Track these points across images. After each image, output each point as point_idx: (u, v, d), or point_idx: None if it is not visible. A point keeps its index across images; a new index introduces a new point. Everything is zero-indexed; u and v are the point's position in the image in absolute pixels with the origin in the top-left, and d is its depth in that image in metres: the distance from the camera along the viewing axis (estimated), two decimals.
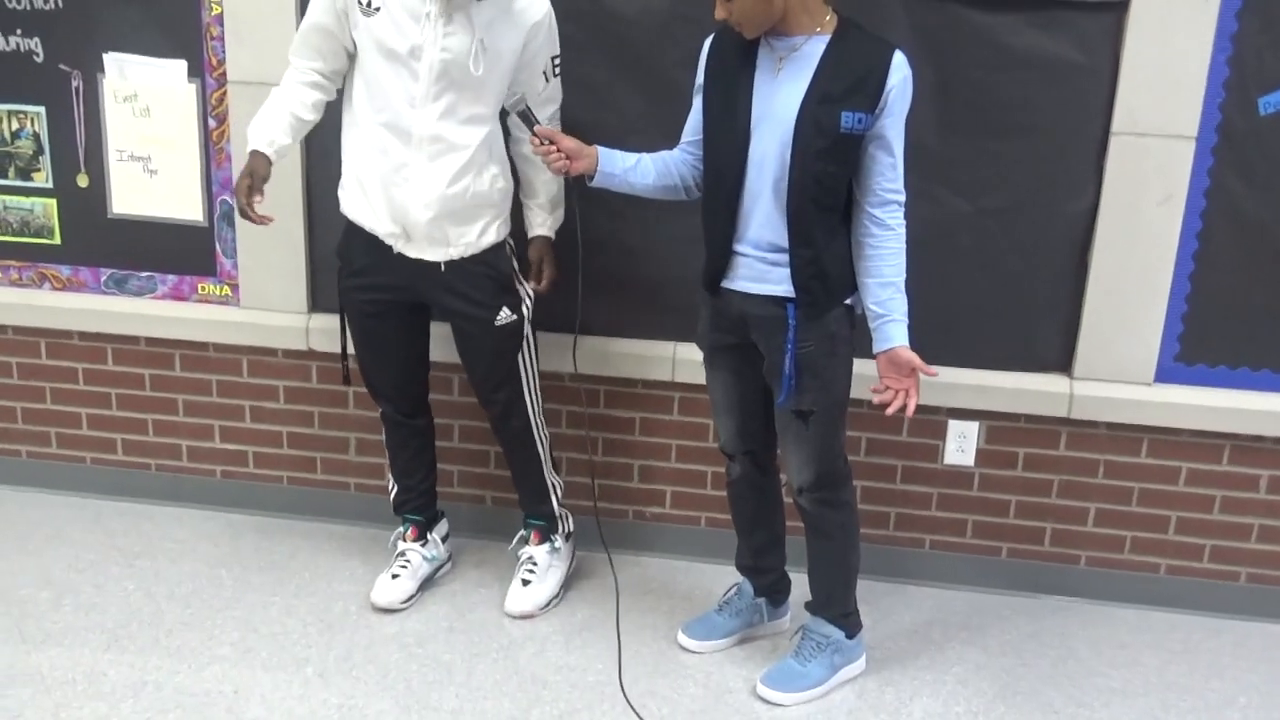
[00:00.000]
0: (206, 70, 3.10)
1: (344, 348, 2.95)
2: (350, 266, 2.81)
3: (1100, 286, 2.95)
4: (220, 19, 3.04)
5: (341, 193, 2.78)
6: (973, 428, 3.10)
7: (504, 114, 2.68)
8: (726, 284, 2.53)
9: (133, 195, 3.23)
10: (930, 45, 2.81)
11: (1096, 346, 2.99)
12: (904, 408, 2.44)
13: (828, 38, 2.36)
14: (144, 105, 3.15)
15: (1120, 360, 2.99)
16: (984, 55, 2.83)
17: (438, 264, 2.72)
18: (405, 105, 2.60)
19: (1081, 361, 3.01)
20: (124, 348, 3.35)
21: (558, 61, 2.73)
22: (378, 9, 2.55)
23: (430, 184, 2.63)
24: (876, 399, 2.48)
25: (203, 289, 3.28)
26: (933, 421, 3.10)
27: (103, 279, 3.31)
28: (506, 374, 2.88)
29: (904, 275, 2.45)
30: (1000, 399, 3.04)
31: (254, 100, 3.04)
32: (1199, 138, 2.83)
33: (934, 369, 2.43)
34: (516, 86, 2.65)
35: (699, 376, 2.97)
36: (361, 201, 2.72)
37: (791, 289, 2.45)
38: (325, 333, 3.20)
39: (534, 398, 2.94)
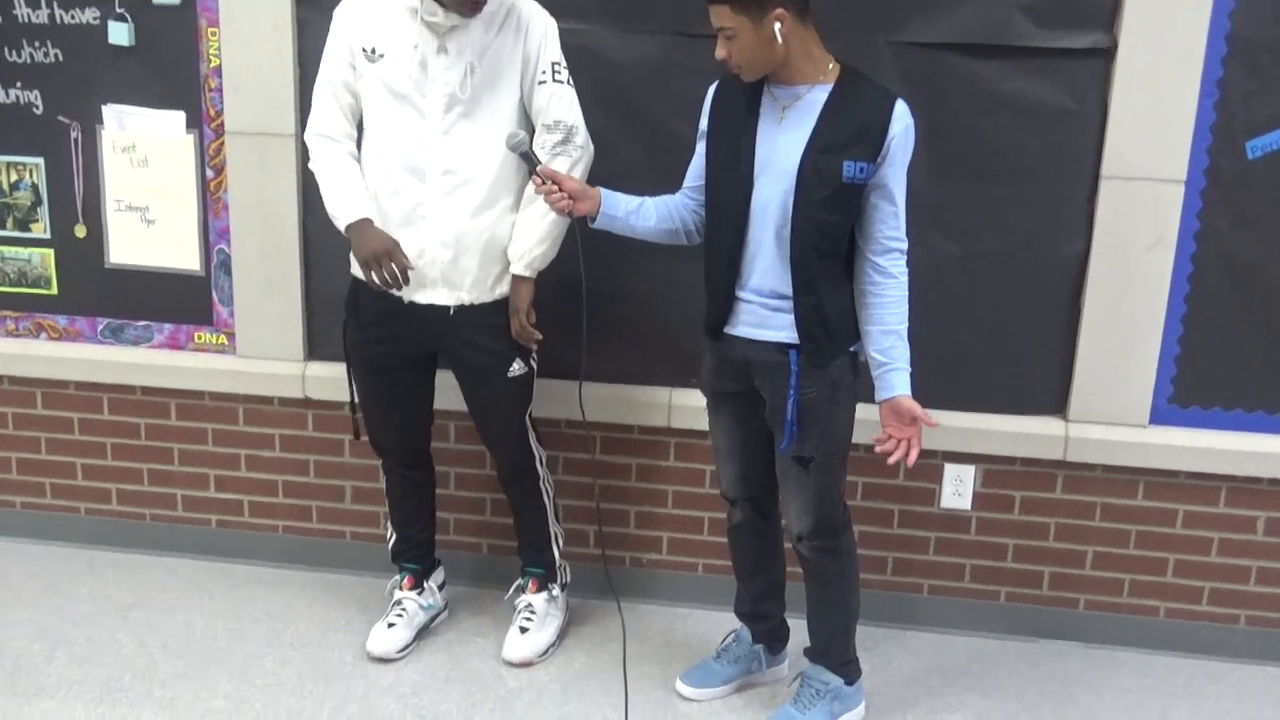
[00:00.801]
0: (204, 121, 3.13)
1: (353, 401, 2.92)
2: (359, 320, 2.79)
3: (1093, 329, 2.96)
4: (218, 71, 3.07)
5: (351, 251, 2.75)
6: (969, 471, 3.10)
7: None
8: (729, 330, 2.53)
9: (130, 245, 3.24)
10: (921, 92, 2.84)
11: (1091, 389, 3.00)
12: (906, 456, 2.43)
13: (830, 87, 2.38)
14: (142, 156, 3.18)
15: (1115, 403, 3.00)
16: (974, 101, 2.87)
17: (447, 309, 2.70)
18: (417, 144, 2.60)
19: (1076, 404, 3.01)
20: (120, 397, 3.35)
21: (559, 67, 2.66)
22: (381, 55, 2.58)
23: (448, 220, 2.63)
24: (878, 448, 2.47)
25: (199, 338, 3.29)
26: (929, 465, 3.10)
27: (99, 329, 3.32)
28: (519, 427, 2.88)
29: (906, 323, 2.45)
30: (996, 442, 3.04)
31: (251, 150, 3.09)
32: (1188, 181, 2.86)
33: (935, 419, 2.43)
34: (526, 104, 2.65)
35: (695, 422, 2.98)
36: None
37: (794, 335, 2.45)
38: (322, 380, 3.21)
39: (540, 448, 2.95)
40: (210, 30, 3.05)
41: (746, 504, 2.74)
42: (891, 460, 2.45)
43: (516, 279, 2.72)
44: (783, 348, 2.46)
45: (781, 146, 2.39)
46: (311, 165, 2.72)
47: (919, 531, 3.18)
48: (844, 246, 2.44)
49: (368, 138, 2.68)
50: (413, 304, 2.70)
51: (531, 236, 2.69)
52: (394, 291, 2.63)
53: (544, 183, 2.46)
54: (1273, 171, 2.83)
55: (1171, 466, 3.01)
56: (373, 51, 2.59)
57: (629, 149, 2.96)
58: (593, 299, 2.83)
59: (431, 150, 2.60)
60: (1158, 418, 3.01)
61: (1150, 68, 2.79)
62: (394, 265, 2.55)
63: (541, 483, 2.97)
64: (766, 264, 2.44)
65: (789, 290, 2.43)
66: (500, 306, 2.74)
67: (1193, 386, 2.99)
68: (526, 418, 2.89)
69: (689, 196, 2.61)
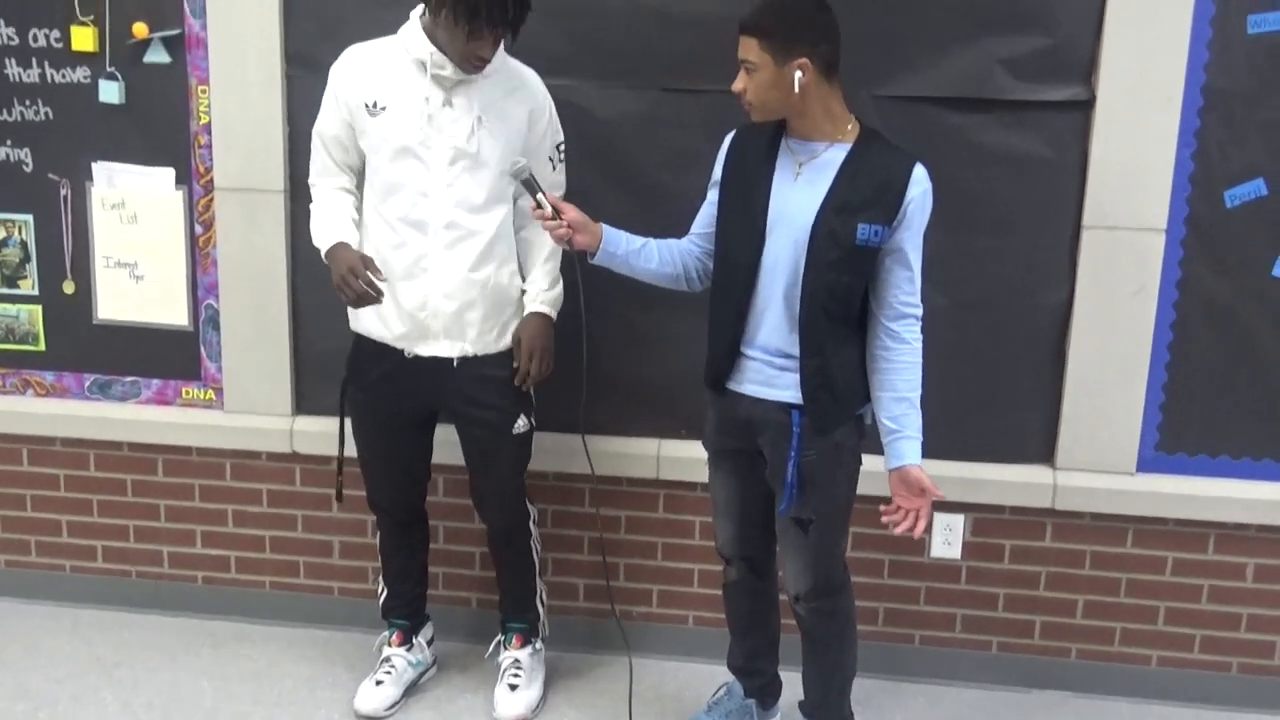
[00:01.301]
0: (194, 177, 3.15)
1: (340, 460, 2.90)
2: (361, 379, 2.78)
3: (1079, 377, 2.98)
4: (208, 128, 3.10)
5: (349, 308, 2.74)
6: (959, 520, 3.10)
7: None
8: (733, 386, 2.50)
9: (118, 301, 3.25)
10: (905, 144, 2.86)
11: (1078, 437, 3.01)
12: (913, 528, 2.40)
13: (849, 146, 2.35)
14: (131, 212, 3.19)
15: (1102, 450, 3.01)
16: (957, 153, 2.90)
17: (451, 361, 2.68)
18: (419, 196, 2.61)
19: (1064, 452, 3.02)
20: (106, 453, 3.33)
21: (563, 149, 2.75)
22: (383, 108, 2.59)
23: (450, 272, 2.63)
24: (885, 518, 2.43)
25: (186, 393, 3.28)
26: None
27: (86, 385, 3.31)
28: (517, 485, 2.88)
29: (919, 390, 2.41)
30: (985, 491, 3.05)
31: (241, 205, 3.10)
32: (1168, 230, 2.89)
33: (943, 492, 2.41)
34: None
35: (684, 474, 2.98)
36: (368, 311, 2.68)
37: (799, 396, 2.41)
38: (309, 435, 3.20)
39: (532, 506, 2.96)
40: (200, 88, 3.08)
41: (742, 563, 2.71)
42: (898, 531, 2.41)
43: (537, 316, 2.72)
44: (786, 408, 2.43)
45: (796, 203, 2.36)
46: (313, 212, 2.75)
47: (910, 581, 3.17)
48: (855, 309, 2.40)
49: (369, 191, 2.69)
50: (416, 357, 2.69)
51: (544, 280, 2.73)
52: (373, 310, 2.63)
53: (547, 212, 2.42)
54: (1251, 220, 2.87)
55: (1159, 514, 3.02)
56: (374, 105, 2.60)
57: (617, 204, 2.98)
58: (579, 351, 2.85)
59: (435, 203, 2.61)
60: (1145, 465, 3.02)
61: (1129, 119, 2.83)
62: (361, 280, 2.51)
63: (532, 540, 2.96)
64: (774, 322, 2.41)
65: (795, 350, 2.40)
66: (504, 359, 2.73)
67: (1178, 434, 3.00)
68: (523, 476, 2.89)
69: (695, 243, 2.58)
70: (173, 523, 3.36)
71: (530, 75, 2.70)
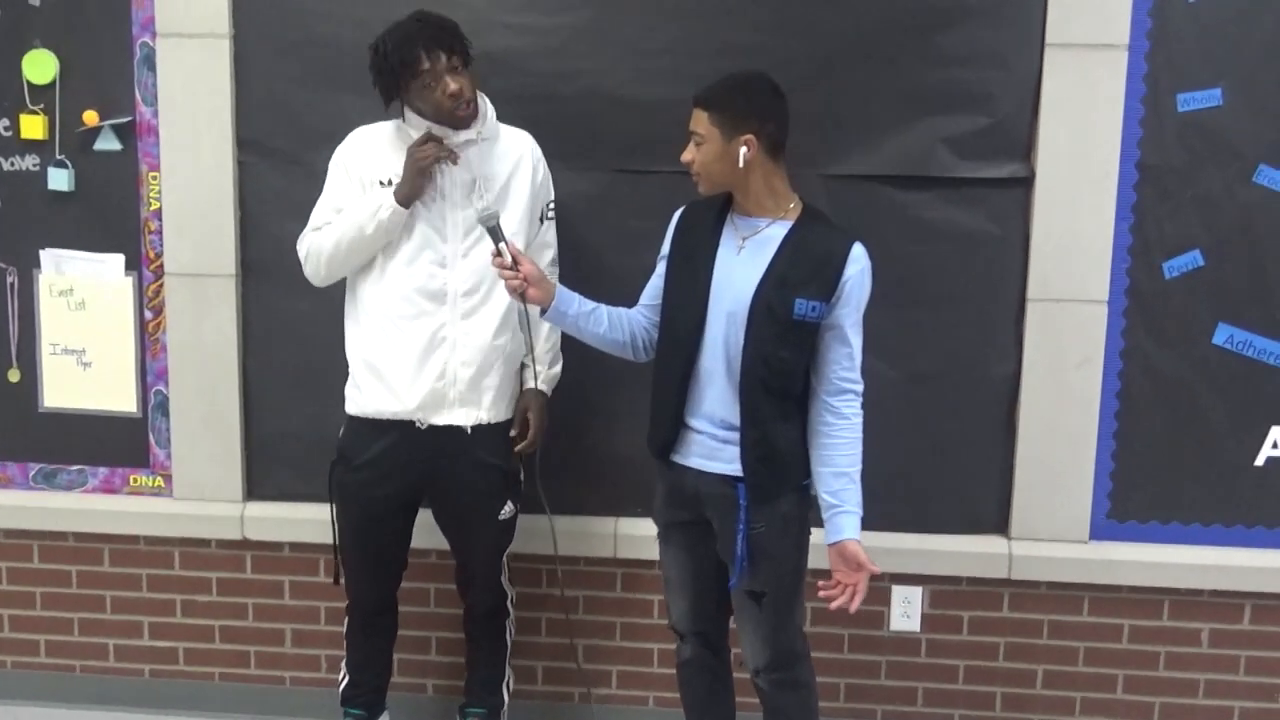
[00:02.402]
0: (144, 263, 3.13)
1: (335, 545, 2.82)
2: (351, 461, 2.72)
3: (1029, 447, 3.02)
4: (158, 213, 3.09)
5: (350, 389, 2.72)
6: (916, 592, 3.11)
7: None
8: (679, 458, 2.51)
9: (65, 388, 3.20)
10: (851, 221, 2.90)
11: (1031, 506, 3.04)
12: (850, 602, 2.41)
13: (790, 224, 2.42)
14: (80, 299, 3.16)
15: (1055, 519, 3.04)
16: (903, 229, 2.96)
17: (465, 429, 2.66)
18: (436, 267, 2.61)
19: (1017, 522, 3.05)
20: (51, 544, 3.25)
21: (552, 206, 2.79)
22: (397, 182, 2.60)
23: (470, 340, 2.63)
24: (822, 593, 2.44)
25: (134, 481, 3.23)
26: (877, 588, 3.09)
27: (31, 474, 3.25)
28: (498, 566, 2.86)
29: (859, 466, 2.43)
30: (941, 562, 3.06)
31: (191, 290, 3.09)
32: (1110, 301, 2.96)
33: (878, 567, 2.43)
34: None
35: (642, 552, 2.96)
36: (378, 389, 2.66)
37: (740, 469, 2.43)
38: (260, 521, 3.15)
39: (511, 588, 2.94)
40: (151, 174, 3.08)
41: (696, 639, 2.68)
42: (833, 606, 2.42)
43: (535, 394, 2.75)
44: (730, 481, 2.44)
45: (738, 277, 2.40)
46: (318, 247, 2.67)
47: (870, 656, 3.16)
48: (796, 384, 2.43)
49: (384, 268, 2.64)
50: (431, 427, 2.66)
51: (548, 356, 2.78)
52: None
53: (505, 261, 2.43)
54: (1189, 290, 2.95)
55: (1114, 581, 3.04)
56: (388, 181, 2.59)
57: (569, 282, 2.99)
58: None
59: (452, 273, 2.62)
60: (1097, 533, 3.05)
61: (1067, 194, 2.91)
62: (430, 146, 2.53)
63: (509, 622, 2.93)
64: (717, 393, 2.44)
65: (738, 422, 2.42)
66: (501, 448, 2.74)
67: (1129, 501, 3.04)
68: (503, 558, 2.89)
69: (642, 314, 2.61)
70: (119, 614, 3.28)
71: (525, 136, 2.75)
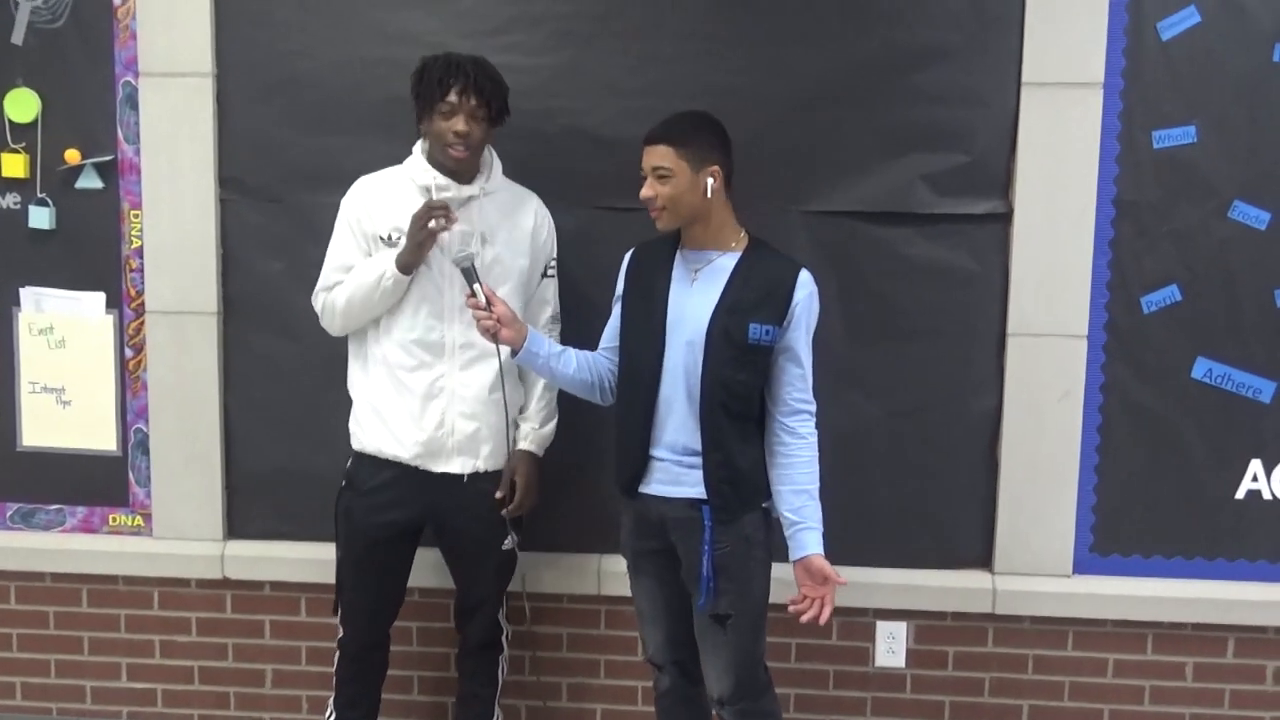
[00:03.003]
0: (125, 301, 3.12)
1: (339, 577, 2.82)
2: (360, 488, 2.74)
3: (1011, 482, 3.02)
4: (140, 251, 3.09)
5: (354, 426, 2.75)
6: (901, 628, 3.10)
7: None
8: (644, 489, 2.56)
9: (44, 427, 3.18)
10: (832, 257, 2.95)
11: (1014, 541, 3.04)
12: (819, 615, 2.45)
13: (739, 254, 2.51)
14: (60, 337, 3.15)
15: (1038, 553, 3.04)
16: (883, 265, 2.98)
17: (461, 477, 2.70)
18: (435, 320, 2.65)
19: (1001, 556, 3.05)
20: (28, 585, 3.22)
21: (554, 262, 2.83)
22: (400, 237, 2.63)
23: (468, 392, 2.67)
24: (791, 608, 2.48)
25: (114, 520, 3.20)
26: (861, 624, 3.09)
27: (9, 514, 3.22)
28: (497, 601, 2.86)
29: (817, 483, 2.50)
30: (926, 598, 3.05)
31: (173, 328, 3.09)
32: (1090, 336, 2.98)
33: (844, 577, 2.47)
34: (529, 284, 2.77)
35: (625, 588, 2.94)
36: (380, 431, 2.70)
37: (704, 491, 2.48)
38: (241, 560, 3.13)
39: (508, 624, 2.93)
40: (133, 212, 3.08)
41: (674, 668, 2.70)
42: (804, 619, 2.45)
43: (523, 456, 2.76)
44: (695, 504, 2.49)
45: (692, 307, 2.48)
46: (332, 303, 2.71)
47: (855, 692, 3.14)
48: (754, 406, 2.51)
49: (386, 319, 2.69)
50: (428, 472, 2.69)
51: (539, 416, 2.79)
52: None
53: (480, 301, 2.49)
54: (1168, 325, 2.97)
55: (1098, 615, 3.04)
56: (390, 237, 2.64)
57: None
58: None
59: (450, 325, 2.66)
60: (1081, 567, 3.06)
61: (1045, 230, 2.94)
62: (430, 213, 2.55)
63: (502, 659, 2.92)
64: (678, 421, 2.50)
65: (699, 446, 2.48)
66: (500, 477, 2.76)
67: (1112, 535, 3.05)
68: (502, 593, 2.89)
69: (605, 356, 2.68)
70: (96, 655, 3.25)
71: (530, 194, 2.80)
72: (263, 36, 3.01)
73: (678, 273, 2.53)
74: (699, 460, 2.48)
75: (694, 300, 2.49)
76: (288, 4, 3.00)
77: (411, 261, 2.60)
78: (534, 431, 2.80)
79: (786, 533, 2.50)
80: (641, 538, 2.62)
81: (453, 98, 2.56)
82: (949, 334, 3.00)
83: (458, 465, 2.70)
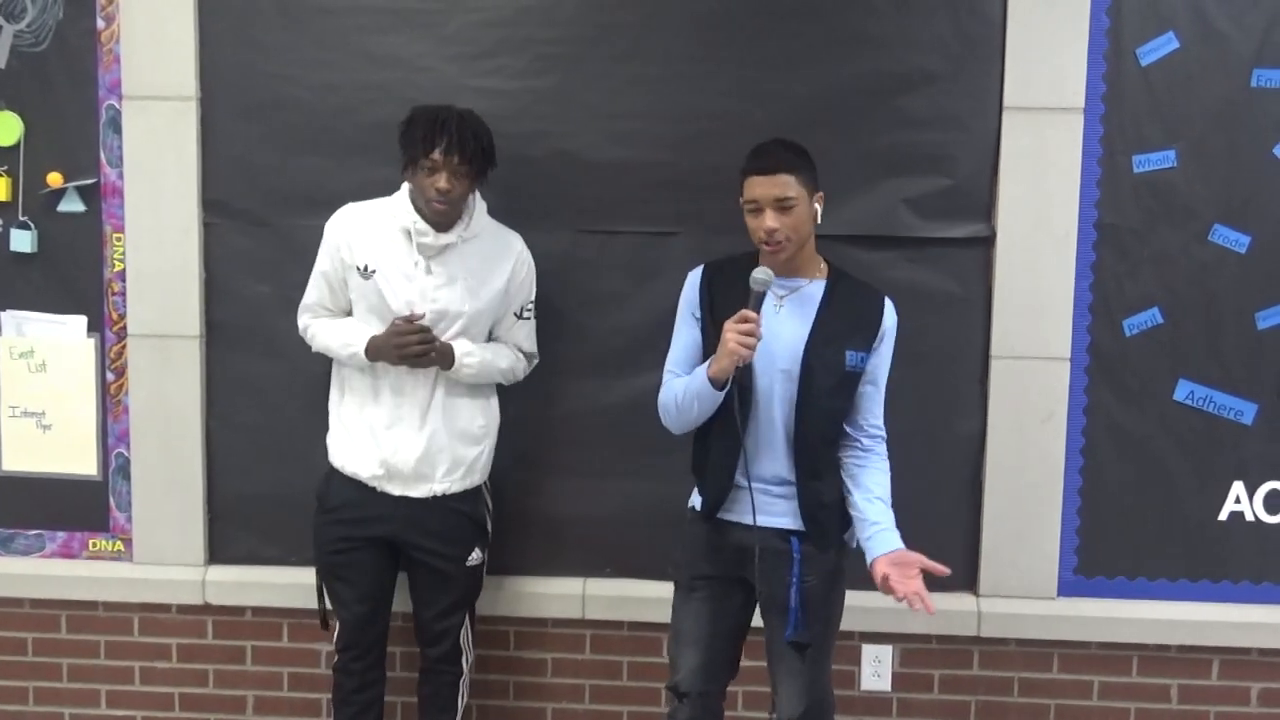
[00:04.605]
0: (106, 324, 3.10)
1: (320, 594, 2.85)
2: (325, 505, 2.80)
3: (995, 504, 3.03)
4: (122, 274, 3.07)
5: (329, 439, 2.81)
6: (886, 651, 3.09)
7: None
8: (724, 514, 2.53)
9: (24, 452, 3.15)
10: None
11: (998, 563, 3.04)
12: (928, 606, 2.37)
13: (824, 282, 2.51)
14: (40, 360, 3.13)
15: (1022, 576, 3.04)
16: None
17: (420, 500, 2.73)
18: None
19: (985, 579, 3.05)
20: (7, 611, 3.19)
21: (530, 305, 2.83)
22: (374, 271, 2.67)
23: (427, 422, 2.71)
24: (901, 597, 2.37)
25: (94, 545, 3.18)
26: (846, 647, 3.08)
27: None
28: (460, 619, 2.85)
29: (891, 500, 2.51)
30: (911, 620, 3.04)
31: (155, 351, 3.07)
32: (1073, 359, 2.99)
33: (944, 568, 2.40)
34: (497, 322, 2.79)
35: (610, 612, 2.94)
36: (347, 446, 2.75)
37: (796, 522, 2.47)
38: (223, 585, 3.11)
39: (471, 649, 2.91)
40: (115, 235, 3.07)
41: (699, 700, 2.61)
42: (916, 608, 2.36)
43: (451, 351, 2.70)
44: (784, 534, 2.48)
45: (782, 336, 2.44)
46: (312, 335, 2.80)
47: (841, 716, 3.11)
48: (842, 433, 2.52)
49: None
50: (385, 494, 2.73)
51: (478, 360, 2.72)
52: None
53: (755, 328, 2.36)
54: (1150, 347, 2.99)
55: (1083, 638, 3.05)
56: (365, 269, 2.68)
57: (538, 339, 3.01)
58: (501, 490, 2.83)
59: (413, 372, 2.69)
60: (1065, 589, 3.06)
61: (1028, 254, 2.95)
62: (413, 335, 2.59)
63: (461, 683, 2.88)
64: (771, 450, 2.47)
65: (793, 476, 2.46)
66: (469, 495, 2.79)
67: (1095, 557, 3.05)
68: (470, 611, 2.88)
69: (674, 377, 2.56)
70: (75, 682, 3.21)
71: (513, 238, 2.81)
72: (247, 59, 3.01)
73: (765, 299, 2.43)
74: (790, 490, 2.47)
75: (784, 328, 2.45)
76: (273, 27, 3.00)
77: (378, 359, 2.66)
78: (469, 357, 2.71)
79: (866, 534, 2.46)
80: (705, 562, 2.58)
81: (436, 155, 2.58)
82: (932, 357, 3.01)
83: (416, 490, 2.74)
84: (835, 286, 2.50)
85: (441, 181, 2.59)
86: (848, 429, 2.53)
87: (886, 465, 2.54)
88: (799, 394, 2.43)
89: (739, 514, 2.51)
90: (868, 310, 2.49)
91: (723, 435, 2.49)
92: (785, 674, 2.55)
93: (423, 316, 2.64)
